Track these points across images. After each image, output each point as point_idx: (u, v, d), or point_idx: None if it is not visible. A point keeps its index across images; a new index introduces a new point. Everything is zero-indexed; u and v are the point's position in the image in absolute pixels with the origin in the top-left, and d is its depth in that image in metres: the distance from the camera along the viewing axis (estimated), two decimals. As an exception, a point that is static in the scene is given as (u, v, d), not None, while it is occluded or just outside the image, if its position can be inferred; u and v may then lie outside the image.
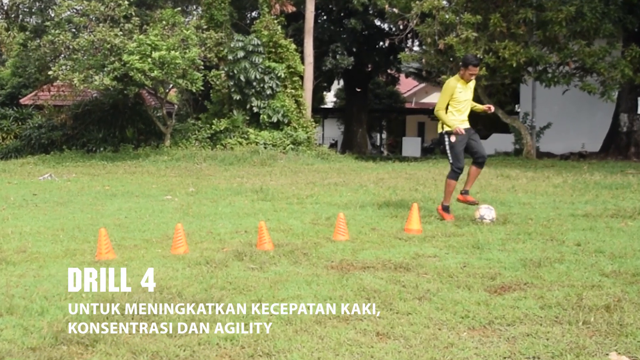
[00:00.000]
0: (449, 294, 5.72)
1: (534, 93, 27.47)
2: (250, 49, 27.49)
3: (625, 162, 22.92)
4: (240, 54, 27.32)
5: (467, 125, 9.99)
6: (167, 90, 27.89)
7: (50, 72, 25.51)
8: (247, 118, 27.92)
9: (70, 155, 25.99)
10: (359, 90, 44.59)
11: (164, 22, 25.65)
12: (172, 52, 23.59)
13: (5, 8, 31.13)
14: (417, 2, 24.98)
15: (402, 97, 53.88)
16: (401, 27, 27.14)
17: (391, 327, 4.87)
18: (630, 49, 22.88)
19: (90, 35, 24.78)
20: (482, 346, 4.52)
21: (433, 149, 40.39)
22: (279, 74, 27.90)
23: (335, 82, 47.62)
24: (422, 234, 8.60)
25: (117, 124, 28.42)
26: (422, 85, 53.64)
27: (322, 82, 43.01)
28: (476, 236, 8.24)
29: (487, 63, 22.97)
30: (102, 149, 27.09)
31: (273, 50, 28.57)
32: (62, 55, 26.36)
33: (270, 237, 7.90)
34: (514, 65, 22.96)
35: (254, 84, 27.43)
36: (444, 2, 25.15)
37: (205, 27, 27.60)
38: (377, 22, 39.48)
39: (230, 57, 27.49)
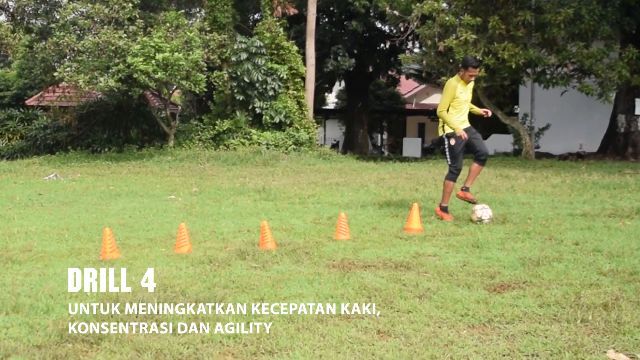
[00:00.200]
0: (449, 292, 5.72)
1: (532, 94, 27.46)
2: (252, 51, 27.49)
3: (622, 162, 22.92)
4: (243, 55, 27.33)
5: (467, 125, 9.99)
6: (170, 92, 27.89)
7: (55, 74, 25.51)
8: (250, 119, 27.93)
9: (75, 156, 25.99)
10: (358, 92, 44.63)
11: (167, 25, 25.64)
12: (176, 53, 23.58)
13: (11, 10, 31.07)
14: (418, 4, 24.98)
15: (403, 99, 53.90)
16: (402, 29, 27.09)
17: (392, 325, 4.87)
18: (627, 51, 22.86)
19: (95, 38, 24.77)
20: (482, 344, 4.52)
21: (433, 150, 40.36)
22: (281, 76, 27.90)
23: (337, 83, 47.65)
24: (422, 233, 8.60)
25: (121, 124, 28.44)
26: (423, 86, 53.67)
27: (323, 84, 43.04)
28: (476, 235, 8.25)
29: (487, 65, 22.96)
30: (106, 149, 27.10)
31: (275, 52, 28.59)
32: (67, 57, 26.38)
33: (273, 236, 7.90)
34: (513, 66, 22.95)
35: (257, 85, 27.44)
36: (444, 5, 25.15)
37: (208, 29, 27.58)
38: (378, 25, 39.42)
39: (233, 58, 27.50)
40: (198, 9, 36.26)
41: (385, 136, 57.18)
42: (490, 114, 10.40)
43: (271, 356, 4.38)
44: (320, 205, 11.90)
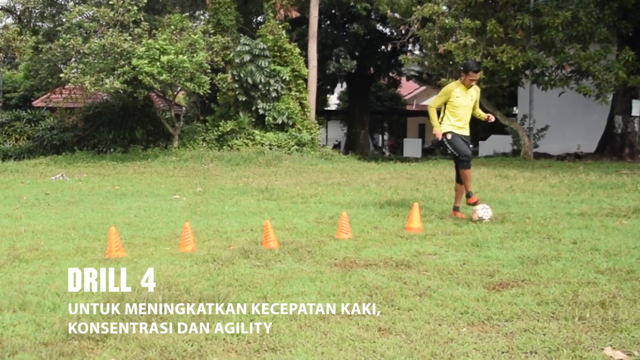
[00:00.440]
0: (449, 290, 5.72)
1: (531, 95, 27.46)
2: (255, 53, 27.49)
3: (619, 162, 22.93)
4: (246, 57, 27.32)
5: (466, 132, 9.97)
6: (175, 93, 27.88)
7: (61, 75, 25.56)
8: (253, 120, 27.92)
9: (81, 156, 26.01)
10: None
11: (172, 27, 25.65)
12: (180, 56, 23.61)
13: (18, 13, 31.12)
14: (418, 7, 25.01)
15: (404, 100, 53.91)
16: (402, 31, 27.14)
17: (393, 323, 4.87)
18: (624, 53, 22.88)
19: (100, 40, 24.79)
20: (481, 341, 4.52)
21: (433, 150, 40.40)
22: (283, 77, 27.89)
23: (339, 85, 47.68)
24: (422, 232, 8.60)
25: (126, 125, 28.48)
26: (423, 88, 53.65)
27: (325, 85, 43.02)
28: (475, 234, 8.24)
29: (486, 67, 22.97)
30: (112, 149, 27.13)
31: (278, 54, 28.57)
32: (73, 59, 26.41)
33: (275, 235, 7.90)
34: (512, 68, 22.97)
35: (260, 86, 27.43)
36: (444, 8, 25.18)
37: (212, 31, 27.60)
38: (379, 27, 39.45)
39: (236, 60, 27.48)
40: (202, 12, 36.25)
41: (386, 137, 57.16)
42: (493, 119, 10.35)
43: (274, 353, 4.38)
44: (322, 204, 11.90)
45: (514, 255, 7.03)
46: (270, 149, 26.14)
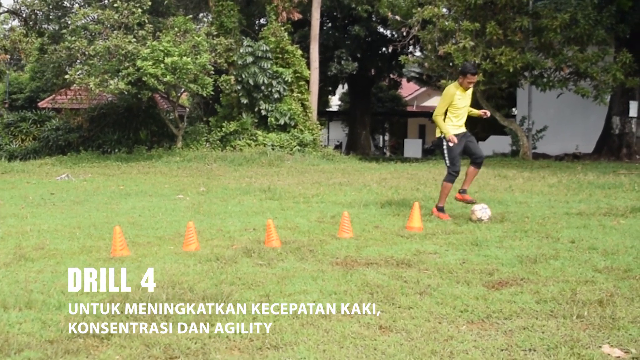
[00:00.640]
0: (449, 289, 5.72)
1: (530, 97, 27.42)
2: (258, 55, 27.51)
3: (617, 162, 22.93)
4: (249, 59, 27.35)
5: (463, 129, 9.98)
6: (179, 94, 27.90)
7: (67, 77, 25.59)
8: (256, 121, 27.94)
9: (86, 156, 26.02)
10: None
11: (176, 29, 25.66)
12: (184, 57, 23.63)
13: (24, 15, 31.14)
14: (418, 9, 25.02)
15: (404, 101, 53.93)
16: (403, 33, 27.14)
17: (393, 321, 4.87)
18: (622, 55, 22.89)
19: (105, 42, 24.79)
20: (481, 339, 4.52)
21: (433, 151, 40.36)
22: (286, 79, 27.92)
23: (340, 86, 47.71)
24: (423, 231, 8.60)
25: (131, 126, 28.49)
26: (423, 89, 53.67)
27: (327, 87, 43.05)
28: (475, 234, 8.24)
29: (485, 69, 22.98)
30: (116, 150, 27.14)
31: (280, 55, 28.59)
32: (79, 61, 26.41)
33: (278, 234, 7.90)
34: (511, 70, 22.97)
35: (262, 88, 27.46)
36: (444, 10, 25.18)
37: (215, 33, 27.61)
38: (380, 29, 39.50)
39: (239, 62, 27.50)
40: (205, 14, 36.28)
41: (387, 137, 57.18)
42: (489, 114, 10.36)
43: (276, 351, 4.38)
44: (324, 204, 11.90)
45: (513, 254, 7.02)
46: (273, 149, 26.16)
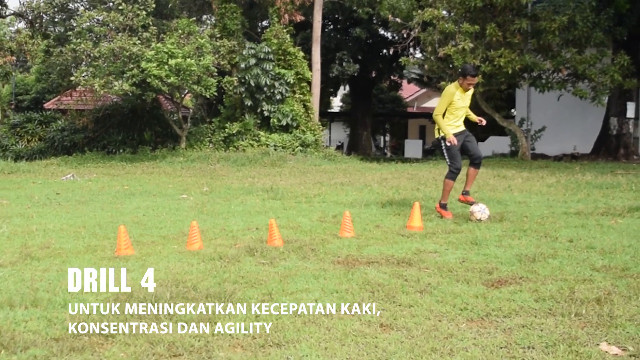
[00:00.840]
0: (449, 287, 5.72)
1: (529, 98, 27.47)
2: (261, 57, 27.52)
3: (614, 163, 22.93)
4: (252, 61, 27.36)
5: (462, 129, 9.98)
6: (182, 96, 27.89)
7: (72, 78, 25.61)
8: (258, 121, 27.96)
9: (91, 157, 26.04)
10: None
11: (180, 31, 25.68)
12: (188, 59, 23.65)
13: (30, 18, 31.17)
14: (419, 11, 25.03)
15: (405, 102, 53.89)
16: (404, 35, 27.13)
17: (394, 319, 4.87)
18: (619, 57, 22.90)
19: (110, 44, 24.82)
20: (480, 337, 4.52)
21: (433, 151, 40.34)
22: (288, 80, 27.93)
23: (341, 87, 47.71)
24: (423, 231, 8.60)
25: (135, 127, 28.52)
26: (424, 90, 53.60)
27: (328, 88, 43.03)
28: (474, 233, 8.24)
29: (484, 71, 22.99)
30: (121, 150, 27.17)
31: (282, 57, 28.60)
32: (84, 63, 26.46)
33: (280, 233, 7.90)
34: (510, 72, 22.96)
35: (265, 89, 27.47)
36: (444, 12, 25.17)
37: (218, 35, 27.62)
38: (381, 31, 39.47)
39: (242, 64, 27.51)
40: (209, 17, 36.27)
41: (387, 138, 57.18)
42: (484, 122, 10.32)
43: (279, 348, 4.38)
44: (325, 204, 11.90)
45: (512, 253, 7.02)
46: (275, 150, 26.16)
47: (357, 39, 37.31)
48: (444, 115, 9.84)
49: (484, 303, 5.22)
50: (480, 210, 9.35)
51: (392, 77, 46.16)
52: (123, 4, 25.42)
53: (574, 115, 28.93)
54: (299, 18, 29.92)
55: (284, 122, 27.68)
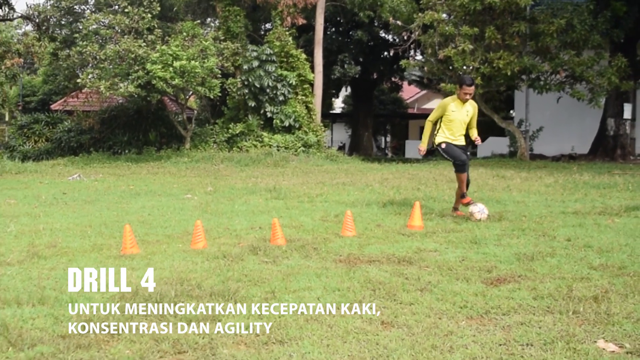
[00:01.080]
0: (449, 285, 5.71)
1: (527, 99, 27.45)
2: (264, 59, 27.53)
3: (611, 163, 22.94)
4: (255, 63, 27.37)
5: (462, 142, 9.99)
6: (187, 97, 27.94)
7: (78, 80, 25.63)
8: (262, 122, 27.98)
9: (97, 157, 26.05)
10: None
11: (184, 34, 25.71)
12: (192, 61, 23.67)
13: (37, 21, 31.18)
14: (419, 14, 25.03)
15: (405, 103, 53.86)
16: (405, 38, 27.12)
17: (395, 317, 4.87)
18: (616, 59, 22.91)
19: (116, 46, 24.85)
20: (480, 334, 4.52)
21: (434, 151, 40.30)
22: (290, 82, 27.94)
23: (343, 89, 47.68)
24: (423, 230, 8.60)
25: (140, 128, 28.53)
26: (424, 92, 53.56)
27: (330, 89, 43.02)
28: (474, 232, 8.23)
29: (484, 72, 23.00)
30: (126, 151, 27.18)
31: (285, 59, 28.62)
32: (90, 65, 26.46)
33: (283, 233, 7.89)
34: (509, 74, 22.97)
35: (268, 91, 27.48)
36: (444, 15, 25.18)
37: (222, 38, 27.67)
38: (382, 34, 39.46)
39: (245, 66, 27.53)
40: (213, 19, 36.29)
41: (388, 139, 57.16)
42: (479, 142, 10.25)
43: (281, 346, 4.38)
44: (327, 203, 11.89)
45: (510, 251, 7.02)
46: (278, 150, 26.18)
47: (358, 41, 37.33)
48: (439, 126, 9.90)
49: (484, 301, 5.22)
50: (480, 211, 9.36)
51: (393, 79, 46.12)
52: (129, 7, 25.47)
53: (571, 116, 28.93)
54: (301, 21, 29.92)
55: (286, 123, 27.70)
